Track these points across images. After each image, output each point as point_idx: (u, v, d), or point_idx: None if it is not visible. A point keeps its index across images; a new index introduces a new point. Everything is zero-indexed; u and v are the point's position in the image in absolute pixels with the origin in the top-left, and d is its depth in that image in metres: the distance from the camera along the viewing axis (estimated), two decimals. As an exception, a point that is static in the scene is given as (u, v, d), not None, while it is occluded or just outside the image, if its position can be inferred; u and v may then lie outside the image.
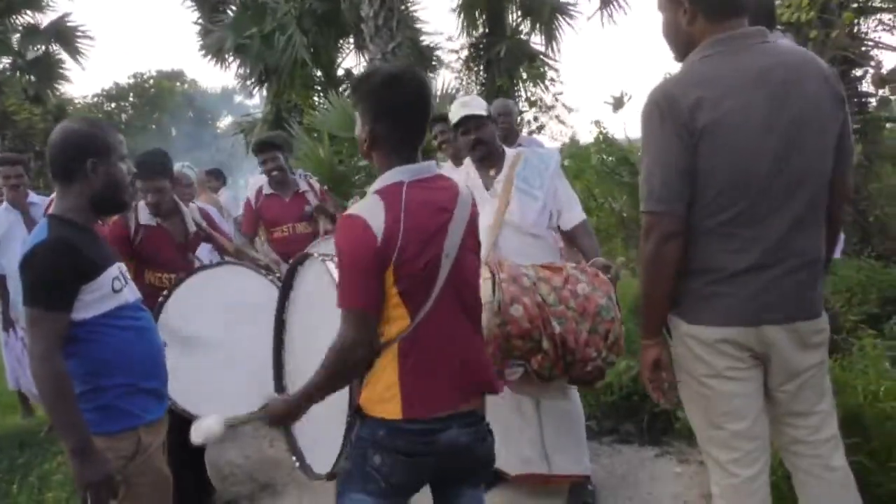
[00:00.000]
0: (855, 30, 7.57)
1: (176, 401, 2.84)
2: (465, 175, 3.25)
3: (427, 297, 1.81)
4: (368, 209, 1.80)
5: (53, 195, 4.87)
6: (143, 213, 3.46)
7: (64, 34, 16.72)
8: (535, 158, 3.19)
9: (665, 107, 1.93)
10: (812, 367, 2.05)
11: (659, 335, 2.11)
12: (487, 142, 3.15)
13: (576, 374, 2.51)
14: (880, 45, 9.24)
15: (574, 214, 3.14)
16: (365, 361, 1.83)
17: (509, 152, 3.23)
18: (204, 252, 4.12)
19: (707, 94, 1.90)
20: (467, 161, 3.31)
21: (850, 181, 2.12)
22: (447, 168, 4.29)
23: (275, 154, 4.79)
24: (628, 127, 7.28)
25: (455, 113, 3.16)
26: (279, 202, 4.82)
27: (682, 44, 2.06)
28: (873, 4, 7.32)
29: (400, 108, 1.85)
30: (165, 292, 3.16)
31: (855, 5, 7.29)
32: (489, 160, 3.19)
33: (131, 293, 2.24)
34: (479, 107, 3.15)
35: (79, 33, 16.78)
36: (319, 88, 12.36)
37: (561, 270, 2.49)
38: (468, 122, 3.12)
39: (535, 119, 13.33)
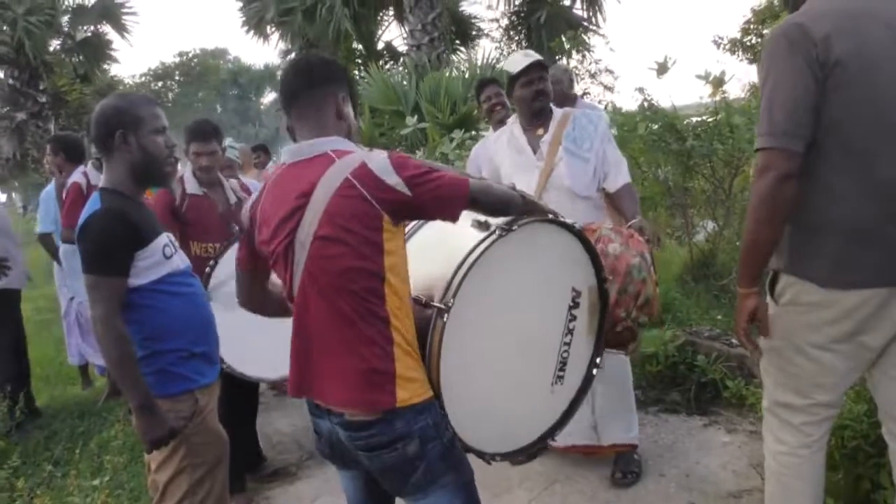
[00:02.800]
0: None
1: (227, 361, 3.01)
2: (508, 135, 3.20)
3: (290, 284, 1.78)
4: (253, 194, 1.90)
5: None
6: (189, 183, 3.51)
7: (111, 12, 17.05)
8: (585, 119, 3.10)
9: (795, 36, 1.80)
10: None
11: (758, 284, 2.02)
12: (548, 94, 3.10)
13: (605, 335, 2.48)
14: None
15: (620, 176, 3.07)
16: (250, 308, 2.05)
17: (556, 112, 3.16)
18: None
19: (842, 25, 1.79)
20: (511, 120, 3.25)
21: None
22: (489, 137, 4.26)
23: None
24: (673, 94, 7.11)
25: (517, 63, 3.08)
26: None
27: None
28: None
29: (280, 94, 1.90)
30: (212, 261, 3.24)
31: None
32: (539, 118, 3.12)
33: (181, 260, 2.33)
34: (535, 57, 3.07)
35: (125, 10, 17.08)
36: (360, 62, 12.35)
37: (594, 231, 2.45)
38: (533, 70, 3.04)
39: (577, 83, 13.08)
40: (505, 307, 1.94)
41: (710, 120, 5.45)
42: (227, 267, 3.17)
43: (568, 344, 2.11)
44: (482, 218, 1.91)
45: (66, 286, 5.24)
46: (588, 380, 2.22)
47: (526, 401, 2.07)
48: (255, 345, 3.05)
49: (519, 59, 3.09)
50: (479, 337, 1.87)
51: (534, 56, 3.06)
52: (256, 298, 2.03)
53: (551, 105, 3.19)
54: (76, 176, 4.69)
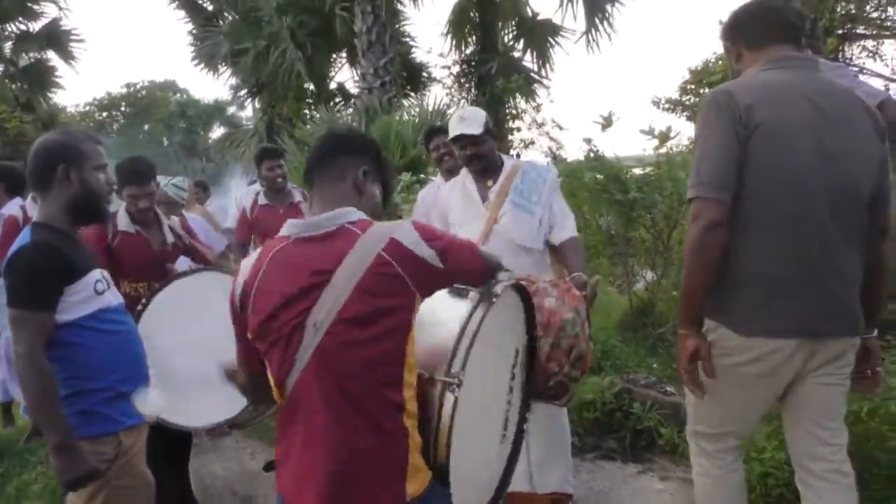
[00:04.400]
0: (839, 56, 7.69)
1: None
2: (461, 185, 3.25)
3: (289, 370, 1.58)
4: (248, 259, 1.72)
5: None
6: (122, 220, 3.45)
7: (56, 38, 16.71)
8: (534, 172, 3.17)
9: (722, 101, 2.00)
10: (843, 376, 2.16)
11: (696, 325, 2.13)
12: (484, 156, 3.14)
13: (537, 388, 2.50)
14: (865, 71, 9.38)
15: (566, 230, 3.11)
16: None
17: (507, 163, 3.22)
18: (182, 264, 4.12)
19: (765, 95, 2.00)
20: (464, 171, 3.31)
21: (888, 214, 2.16)
22: (436, 182, 4.33)
23: (280, 161, 5.01)
24: (617, 146, 7.37)
25: (452, 128, 3.15)
26: (274, 212, 4.88)
27: None
28: (857, 31, 7.47)
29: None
30: (144, 301, 3.16)
31: (839, 32, 7.42)
32: (487, 173, 3.19)
33: (114, 297, 2.29)
34: (476, 122, 3.11)
35: (72, 37, 16.78)
36: (311, 102, 12.41)
37: (533, 283, 2.49)
38: (464, 139, 3.12)
39: (522, 141, 13.43)
40: (485, 375, 1.88)
41: (652, 173, 5.65)
42: (154, 316, 3.10)
43: (509, 402, 2.09)
44: (460, 286, 1.82)
45: None
46: (519, 435, 2.18)
47: (485, 462, 2.03)
48: (182, 392, 2.98)
49: (453, 124, 3.15)
50: (470, 408, 1.77)
51: (465, 124, 3.09)
52: (262, 398, 1.82)
53: (502, 157, 3.26)
54: (13, 209, 4.53)
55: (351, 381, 1.54)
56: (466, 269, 1.68)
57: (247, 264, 1.71)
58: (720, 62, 13.19)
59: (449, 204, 3.28)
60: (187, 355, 3.06)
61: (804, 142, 1.98)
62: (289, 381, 1.59)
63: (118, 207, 3.49)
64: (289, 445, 1.62)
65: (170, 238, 3.57)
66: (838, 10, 8.03)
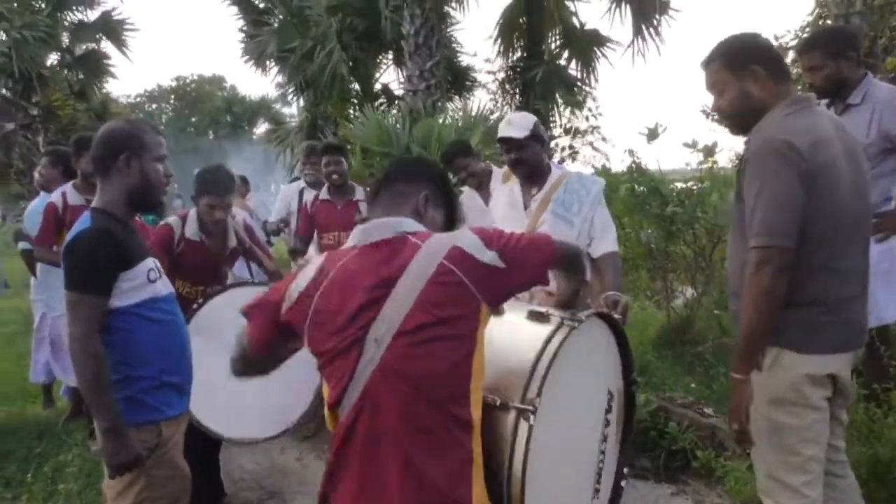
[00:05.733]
0: (899, 75, 7.46)
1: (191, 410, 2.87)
2: (509, 189, 3.25)
3: (346, 385, 1.51)
4: (310, 265, 1.68)
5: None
6: (189, 227, 3.50)
7: (111, 27, 17.15)
8: (578, 183, 3.13)
9: (785, 150, 2.06)
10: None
11: (753, 369, 2.15)
12: (527, 162, 3.11)
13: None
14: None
15: (605, 244, 3.07)
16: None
17: (555, 172, 3.18)
18: (240, 269, 4.18)
19: (814, 140, 2.08)
20: (514, 177, 3.29)
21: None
22: (467, 195, 4.34)
23: (339, 158, 4.98)
24: (661, 158, 7.26)
25: (500, 130, 3.16)
26: (332, 208, 4.95)
27: (752, 111, 2.22)
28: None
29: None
30: (200, 300, 3.22)
31: (900, 51, 7.21)
32: (532, 179, 3.16)
33: (165, 286, 2.33)
34: (523, 126, 3.09)
35: (126, 26, 17.20)
36: (356, 101, 12.50)
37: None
38: (508, 142, 3.11)
39: (571, 147, 13.37)
40: (566, 409, 1.75)
41: (693, 187, 5.56)
42: (206, 318, 3.14)
43: (603, 452, 1.94)
44: (541, 309, 1.76)
45: (41, 301, 5.14)
46: (618, 490, 2.04)
47: None
48: (221, 398, 3.01)
49: (502, 126, 3.16)
50: (548, 442, 1.64)
51: (511, 127, 3.09)
52: (245, 374, 1.84)
53: (551, 164, 3.23)
54: (54, 196, 4.63)
55: (415, 399, 1.47)
56: (530, 262, 1.59)
57: (311, 269, 1.67)
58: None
59: (496, 205, 3.31)
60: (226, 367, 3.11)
61: (844, 177, 2.12)
62: (346, 398, 1.52)
63: (190, 211, 3.53)
64: (340, 466, 1.54)
65: (232, 242, 3.62)
66: (899, 28, 7.81)
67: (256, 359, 1.77)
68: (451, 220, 1.81)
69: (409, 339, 1.47)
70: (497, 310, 1.62)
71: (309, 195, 5.42)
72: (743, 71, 2.20)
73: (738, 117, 2.27)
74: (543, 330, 1.68)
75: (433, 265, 1.49)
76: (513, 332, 1.75)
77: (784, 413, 2.15)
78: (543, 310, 1.76)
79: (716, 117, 14.01)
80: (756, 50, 2.25)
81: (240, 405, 3.08)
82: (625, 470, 2.07)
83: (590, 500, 1.92)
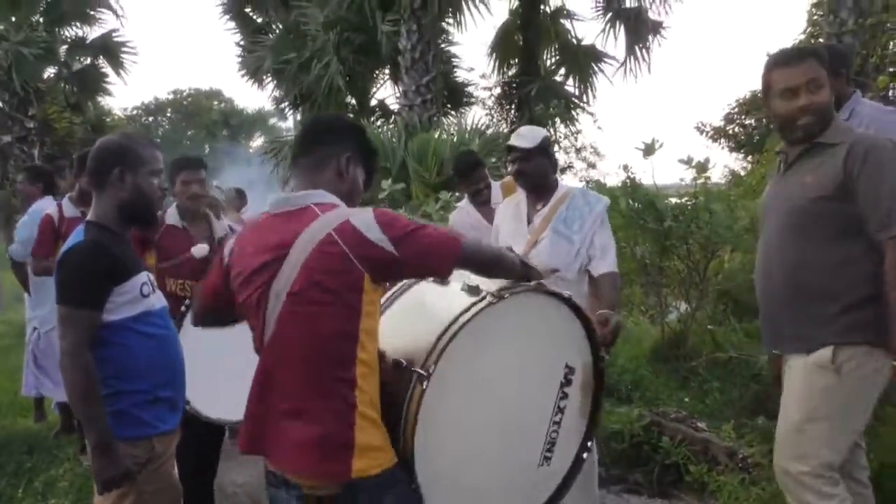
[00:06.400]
0: (889, 94, 7.54)
1: (192, 402, 2.88)
2: (514, 204, 3.26)
3: (262, 333, 1.71)
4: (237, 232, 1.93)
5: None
6: (171, 216, 3.48)
7: (110, 48, 17.15)
8: (581, 200, 3.12)
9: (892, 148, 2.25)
10: None
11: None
12: (530, 174, 3.11)
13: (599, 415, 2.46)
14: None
15: (604, 263, 3.03)
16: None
17: (561, 188, 3.18)
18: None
19: None
20: (520, 190, 3.29)
21: None
22: (464, 207, 4.33)
23: None
24: (657, 174, 7.29)
25: (511, 138, 3.18)
26: None
27: (831, 112, 2.41)
28: (911, 69, 7.32)
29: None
30: (188, 300, 3.19)
31: (891, 70, 7.28)
32: (537, 193, 3.16)
33: (158, 300, 2.32)
34: (531, 138, 3.10)
35: (125, 49, 17.21)
36: (352, 115, 12.55)
37: None
38: (514, 151, 3.12)
39: (565, 163, 13.45)
40: (491, 378, 1.86)
41: (688, 203, 5.58)
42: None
43: (558, 423, 2.01)
44: (473, 282, 1.84)
45: (37, 317, 5.13)
46: (578, 462, 2.12)
47: (507, 481, 1.97)
48: (222, 386, 3.00)
49: (513, 137, 3.17)
50: (460, 408, 1.79)
51: (518, 138, 3.12)
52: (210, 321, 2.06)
53: (558, 180, 3.23)
54: (50, 208, 4.63)
55: (300, 353, 1.63)
56: (432, 254, 1.68)
57: (238, 232, 1.91)
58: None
59: (502, 220, 3.31)
60: (225, 354, 3.10)
61: None
62: (263, 343, 1.71)
63: (169, 205, 3.54)
64: (260, 403, 1.73)
65: (218, 234, 3.58)
66: (891, 46, 7.89)
67: (209, 307, 1.99)
68: (370, 172, 1.93)
69: (294, 300, 1.62)
70: (441, 281, 1.82)
71: None
72: (837, 74, 2.39)
73: (824, 115, 2.36)
74: (464, 302, 1.78)
75: (322, 234, 1.61)
76: (440, 301, 1.87)
77: (861, 411, 2.32)
78: (475, 283, 1.84)
79: (710, 134, 14.09)
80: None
81: (241, 392, 3.07)
82: (589, 444, 2.13)
83: (536, 465, 2.01)
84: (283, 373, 1.67)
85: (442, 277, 1.77)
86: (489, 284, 1.84)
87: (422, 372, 1.66)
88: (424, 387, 1.65)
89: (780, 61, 2.44)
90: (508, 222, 3.23)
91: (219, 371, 2.97)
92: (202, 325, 2.07)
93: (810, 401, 2.33)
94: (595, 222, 3.07)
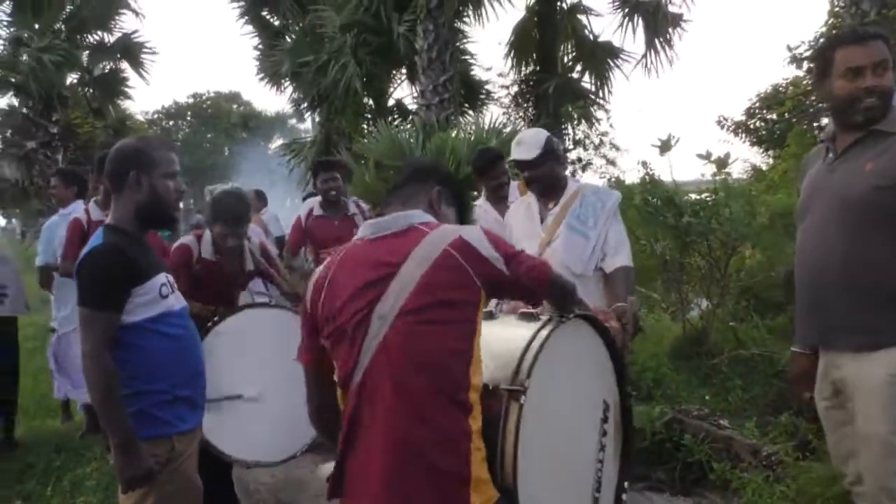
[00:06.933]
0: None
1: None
2: (526, 204, 3.26)
3: (355, 364, 1.57)
4: (325, 263, 1.77)
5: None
6: (206, 248, 3.54)
7: (130, 49, 17.39)
8: (594, 196, 3.11)
9: None
10: None
11: None
12: (541, 179, 3.11)
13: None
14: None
15: (618, 258, 3.02)
16: (321, 421, 1.82)
17: (571, 185, 3.16)
18: (256, 285, 4.21)
19: None
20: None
21: None
22: (481, 205, 4.32)
23: (335, 174, 5.04)
24: (675, 169, 7.24)
25: (512, 152, 3.16)
26: (328, 223, 4.96)
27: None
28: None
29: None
30: (216, 318, 3.25)
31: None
32: (548, 194, 3.15)
33: (177, 301, 2.35)
34: (534, 145, 3.06)
35: (145, 49, 17.44)
36: (369, 116, 12.58)
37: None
38: (519, 164, 3.13)
39: (579, 160, 13.39)
40: (561, 401, 1.81)
41: (708, 199, 5.54)
42: (225, 330, 3.20)
43: (601, 461, 1.95)
44: (530, 310, 1.82)
45: (60, 318, 5.22)
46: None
47: None
48: (225, 417, 3.04)
49: (513, 148, 3.15)
50: (545, 433, 1.70)
51: (521, 149, 3.08)
52: (327, 407, 1.77)
53: (568, 177, 3.23)
54: (78, 211, 4.72)
55: (415, 376, 1.52)
56: (531, 279, 1.66)
57: (320, 267, 1.75)
58: (790, 88, 12.88)
59: (513, 222, 3.31)
60: (238, 383, 3.14)
61: None
62: (355, 376, 1.57)
63: (205, 232, 3.58)
64: (349, 447, 1.60)
65: (249, 265, 3.66)
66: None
67: (311, 372, 1.78)
68: (462, 219, 1.89)
69: (411, 318, 1.53)
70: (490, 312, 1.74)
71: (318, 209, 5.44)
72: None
73: (888, 100, 2.23)
74: (534, 325, 1.75)
75: (438, 250, 1.56)
76: (504, 329, 1.83)
77: None
78: (534, 311, 1.82)
79: (731, 128, 13.93)
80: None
81: (249, 427, 3.12)
82: (625, 484, 2.07)
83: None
84: (386, 404, 1.53)
85: (537, 303, 1.74)
86: (540, 311, 1.84)
87: (516, 388, 1.58)
88: (522, 402, 1.57)
89: (845, 40, 2.30)
90: (521, 222, 3.22)
91: (231, 405, 3.02)
92: (320, 424, 1.85)
93: (893, 417, 2.14)
94: (608, 217, 3.06)
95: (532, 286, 1.68)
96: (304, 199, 7.52)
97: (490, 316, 1.88)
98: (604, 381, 2.01)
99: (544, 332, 1.69)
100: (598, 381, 1.99)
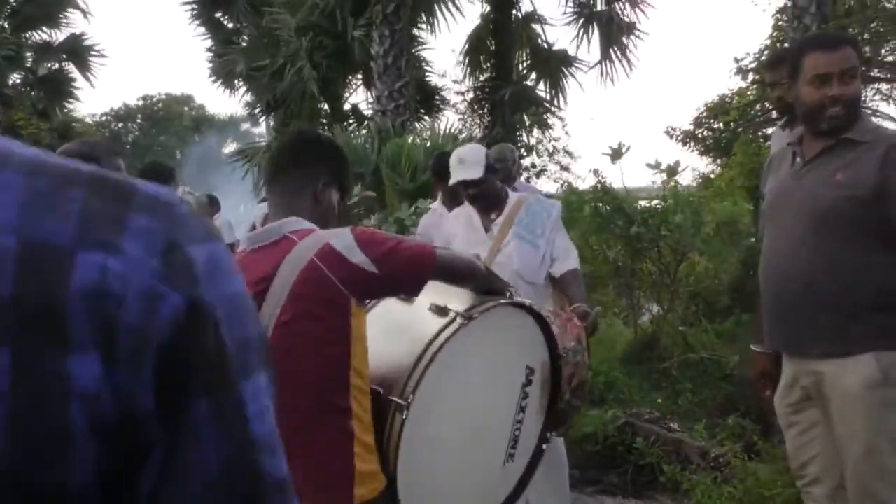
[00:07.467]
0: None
1: None
2: (465, 216, 3.26)
3: None
4: None
5: None
6: None
7: (77, 52, 16.90)
8: (538, 206, 3.17)
9: None
10: None
11: None
12: (486, 196, 3.13)
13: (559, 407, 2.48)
14: (878, 114, 9.40)
15: (567, 262, 3.10)
16: None
17: (512, 196, 3.21)
18: None
19: None
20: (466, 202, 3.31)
21: None
22: (437, 209, 4.32)
23: None
24: (626, 177, 7.38)
25: (452, 170, 3.14)
26: None
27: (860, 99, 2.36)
28: (871, 74, 7.49)
29: None
30: None
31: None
32: (491, 208, 3.17)
33: None
34: (475, 163, 3.07)
35: (93, 52, 16.98)
36: (325, 121, 12.51)
37: None
38: (465, 184, 3.11)
39: (534, 165, 13.55)
40: (462, 394, 1.89)
41: (657, 206, 5.66)
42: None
43: (520, 422, 2.05)
44: (440, 302, 1.82)
45: None
46: (537, 454, 2.16)
47: (478, 481, 2.01)
48: None
49: (453, 166, 3.13)
50: (435, 426, 1.80)
51: (463, 169, 3.08)
52: None
53: (507, 189, 3.27)
54: None
55: (293, 388, 1.51)
56: (405, 274, 1.66)
57: None
58: (736, 98, 13.25)
59: (454, 230, 3.29)
60: None
61: None
62: None
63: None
64: None
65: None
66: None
67: None
68: (345, 191, 1.86)
69: (283, 331, 1.54)
70: (406, 298, 1.76)
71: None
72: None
73: (854, 108, 2.23)
74: (436, 325, 1.77)
75: (304, 262, 1.56)
76: (409, 322, 1.86)
77: None
78: (442, 304, 1.83)
79: (679, 137, 14.27)
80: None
81: None
82: (548, 434, 2.16)
83: (501, 464, 2.03)
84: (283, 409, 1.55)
85: (416, 294, 1.72)
86: (456, 303, 1.84)
87: (400, 402, 1.64)
88: (404, 417, 1.63)
89: (815, 44, 2.28)
90: (464, 231, 3.21)
91: None
92: None
93: (872, 421, 2.15)
94: (554, 227, 3.13)
95: (408, 279, 1.68)
96: (260, 202, 7.45)
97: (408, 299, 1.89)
98: (528, 349, 2.06)
99: (440, 339, 1.72)
100: (520, 353, 2.05)
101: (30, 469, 0.41)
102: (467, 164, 3.09)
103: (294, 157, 1.79)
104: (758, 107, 12.41)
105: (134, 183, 0.51)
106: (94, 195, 0.48)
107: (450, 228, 3.34)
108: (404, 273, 1.65)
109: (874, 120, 2.80)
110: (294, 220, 1.69)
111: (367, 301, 1.67)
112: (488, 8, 12.66)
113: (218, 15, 14.39)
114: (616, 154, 5.69)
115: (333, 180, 1.80)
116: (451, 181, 3.16)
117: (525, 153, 13.34)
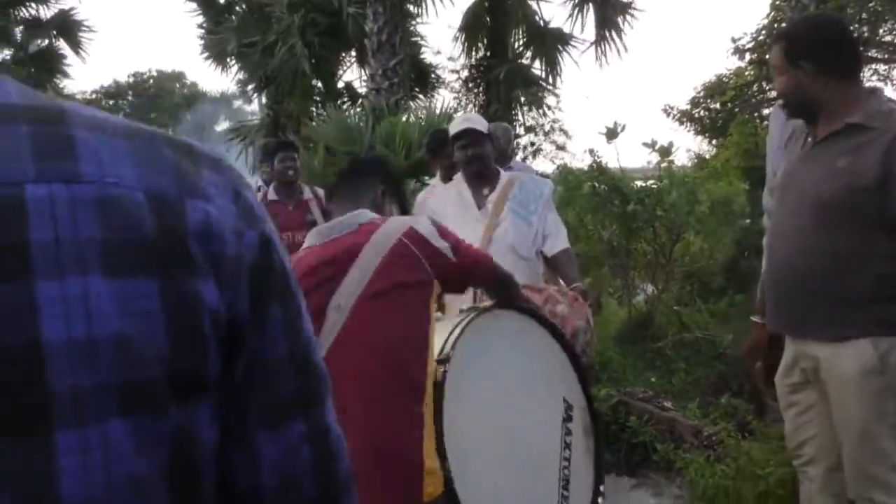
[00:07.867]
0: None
1: None
2: (455, 192, 3.25)
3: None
4: None
5: None
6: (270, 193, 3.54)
7: (67, 27, 16.67)
8: (531, 184, 3.21)
9: None
10: None
11: None
12: (483, 158, 3.14)
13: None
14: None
15: (559, 241, 3.15)
16: None
17: (504, 175, 3.23)
18: None
19: None
20: (458, 177, 3.29)
21: None
22: (435, 185, 4.31)
23: (293, 154, 5.00)
24: (622, 156, 7.36)
25: (455, 126, 3.18)
26: (283, 209, 4.83)
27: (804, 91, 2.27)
28: (869, 54, 7.45)
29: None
30: None
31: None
32: (483, 178, 3.18)
33: None
34: (480, 124, 3.15)
35: (83, 28, 16.75)
36: (318, 99, 12.41)
37: (542, 291, 2.49)
38: (467, 135, 3.10)
39: (532, 144, 13.49)
40: (499, 387, 1.88)
41: (653, 186, 5.65)
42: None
43: (567, 460, 1.99)
44: (464, 306, 1.93)
45: None
46: None
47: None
48: None
49: (457, 122, 3.22)
50: (477, 405, 1.79)
51: (470, 122, 3.15)
52: None
53: (498, 168, 3.27)
54: None
55: (374, 364, 1.57)
56: (477, 266, 1.78)
57: None
58: (734, 79, 13.19)
59: (446, 209, 3.23)
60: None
61: None
62: None
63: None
64: None
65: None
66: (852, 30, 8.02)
67: None
68: (404, 211, 1.98)
69: (369, 304, 1.59)
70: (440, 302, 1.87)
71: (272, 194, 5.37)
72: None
73: (792, 101, 2.31)
74: (464, 314, 1.89)
75: (391, 240, 1.63)
76: (444, 325, 1.93)
77: None
78: (467, 306, 1.95)
79: (676, 116, 14.23)
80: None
81: None
82: (601, 487, 2.11)
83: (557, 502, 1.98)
84: (347, 391, 1.47)
85: (477, 287, 1.91)
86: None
87: (441, 357, 1.69)
88: (445, 369, 1.66)
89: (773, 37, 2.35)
90: (455, 208, 3.18)
91: None
92: None
93: (869, 407, 2.15)
94: (546, 205, 3.17)
95: (476, 274, 1.80)
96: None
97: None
98: (562, 381, 2.07)
99: (471, 314, 1.84)
100: (554, 379, 2.05)
101: (186, 364, 0.55)
102: (472, 120, 3.18)
103: (355, 169, 1.97)
104: (755, 87, 12.36)
105: (191, 142, 0.63)
106: (177, 153, 0.59)
107: (438, 206, 3.27)
108: (474, 264, 1.77)
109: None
110: (365, 212, 1.75)
111: (444, 288, 1.73)
112: (485, -16, 12.52)
113: (209, -9, 14.19)
114: (611, 133, 5.66)
115: (392, 193, 1.91)
116: (455, 130, 3.17)
117: (522, 132, 13.28)
